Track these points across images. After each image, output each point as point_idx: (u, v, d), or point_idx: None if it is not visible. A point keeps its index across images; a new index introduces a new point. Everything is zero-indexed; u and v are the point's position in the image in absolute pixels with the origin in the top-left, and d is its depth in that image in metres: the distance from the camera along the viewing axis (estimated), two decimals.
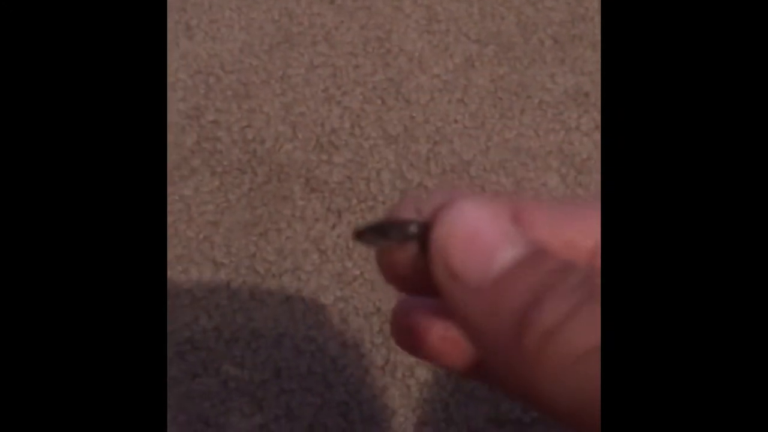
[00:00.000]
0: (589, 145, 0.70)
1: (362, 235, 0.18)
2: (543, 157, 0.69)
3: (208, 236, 0.63)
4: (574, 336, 0.15)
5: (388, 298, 0.61)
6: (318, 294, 0.61)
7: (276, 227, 0.64)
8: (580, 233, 0.19)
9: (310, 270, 0.62)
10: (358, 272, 0.62)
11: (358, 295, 0.61)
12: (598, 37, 0.77)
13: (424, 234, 0.17)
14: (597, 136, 0.71)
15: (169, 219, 0.64)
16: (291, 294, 0.61)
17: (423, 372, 0.58)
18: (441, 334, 0.20)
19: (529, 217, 0.18)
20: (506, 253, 0.17)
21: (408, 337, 0.20)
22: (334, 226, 0.64)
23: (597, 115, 0.72)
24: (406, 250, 0.18)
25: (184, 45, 0.75)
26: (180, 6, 0.77)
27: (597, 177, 0.68)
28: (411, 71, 0.74)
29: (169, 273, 0.61)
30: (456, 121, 0.71)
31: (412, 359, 0.59)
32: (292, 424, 0.56)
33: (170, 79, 0.72)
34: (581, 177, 0.68)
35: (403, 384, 0.58)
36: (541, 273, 0.16)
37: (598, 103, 0.73)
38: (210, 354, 0.58)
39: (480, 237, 0.17)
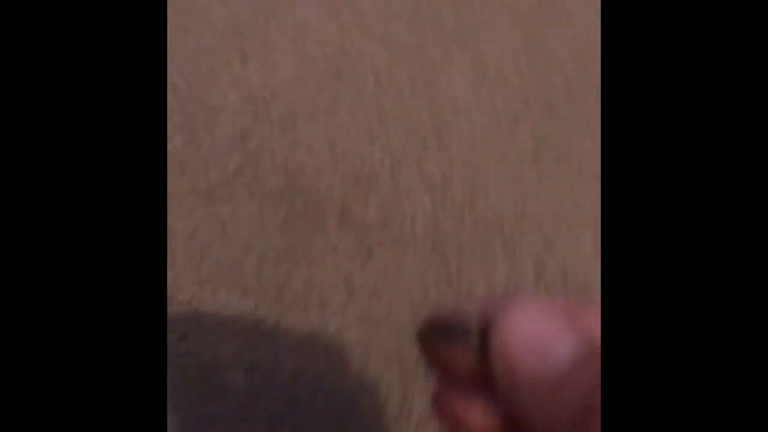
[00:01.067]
0: None
1: (425, 337, 0.20)
2: (578, 222, 0.70)
3: (239, 261, 0.64)
4: None
5: (410, 345, 0.61)
6: (341, 332, 0.61)
7: (308, 259, 0.65)
8: None
9: (336, 307, 0.62)
10: (383, 314, 0.62)
11: (380, 339, 0.61)
12: None
13: (483, 333, 0.19)
14: None
15: (204, 239, 0.65)
16: (315, 329, 0.61)
17: (437, 423, 0.58)
18: (479, 420, 0.21)
19: (582, 315, 0.19)
20: (563, 349, 0.18)
21: (448, 419, 0.22)
22: (363, 266, 0.65)
23: None
24: (464, 348, 0.19)
25: (237, 70, 0.76)
26: (237, 31, 0.79)
27: None
28: (455, 119, 0.75)
29: (198, 293, 0.61)
30: (495, 175, 0.72)
31: (426, 408, 0.59)
32: None
33: (220, 102, 0.73)
34: None
35: None
36: (596, 368, 0.17)
37: None
38: (229, 380, 0.58)
39: (538, 334, 0.18)
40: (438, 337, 0.20)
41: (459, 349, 0.19)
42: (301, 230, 0.66)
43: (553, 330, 0.18)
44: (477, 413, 0.21)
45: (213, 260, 0.64)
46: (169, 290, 0.60)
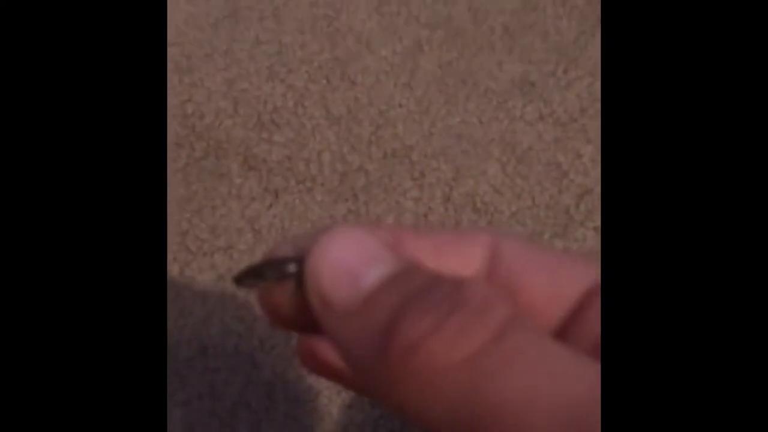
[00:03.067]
0: (531, 135, 0.71)
1: (241, 280, 0.19)
2: (485, 145, 0.69)
3: None
4: (438, 349, 0.15)
5: None
6: None
7: (211, 204, 0.63)
8: (460, 263, 0.19)
9: (243, 249, 0.62)
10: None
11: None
12: (548, 28, 0.78)
13: (299, 271, 0.18)
14: (540, 126, 0.71)
15: None
16: (222, 273, 0.60)
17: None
18: (326, 356, 0.20)
19: (411, 245, 0.18)
20: (373, 273, 0.17)
21: (308, 358, 0.21)
22: (270, 206, 0.64)
23: (542, 105, 0.73)
24: (284, 289, 0.18)
25: None
26: None
27: (537, 167, 0.69)
28: (358, 52, 0.73)
29: None
30: (400, 105, 0.71)
31: None
32: (214, 403, 0.56)
33: None
34: (521, 167, 0.69)
35: None
36: (406, 289, 0.16)
37: (544, 93, 0.73)
38: None
39: (347, 260, 0.17)
40: (252, 279, 0.18)
41: (276, 290, 0.18)
42: (203, 177, 0.65)
43: (366, 256, 0.17)
44: (323, 353, 0.20)
45: None
46: None
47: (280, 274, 0.18)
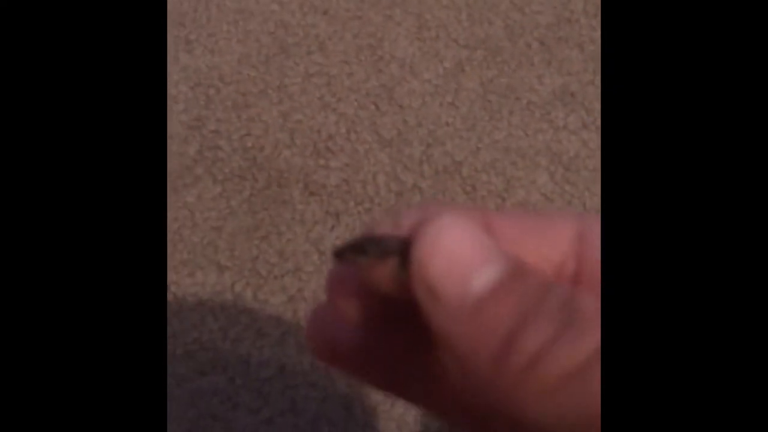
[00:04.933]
0: (576, 143, 0.73)
1: (342, 254, 0.18)
2: (532, 156, 0.72)
3: (212, 241, 0.66)
4: (556, 360, 0.15)
5: None
6: (319, 293, 0.64)
7: (277, 230, 0.67)
8: (547, 246, 0.19)
9: (311, 270, 0.65)
10: None
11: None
12: (584, 39, 0.80)
13: (404, 250, 0.17)
14: (584, 134, 0.74)
15: (174, 225, 0.67)
16: (293, 294, 0.64)
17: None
18: (361, 346, 0.19)
19: (499, 229, 0.18)
20: (486, 272, 0.16)
21: (326, 347, 0.20)
22: (332, 228, 0.67)
23: (584, 114, 0.75)
24: (386, 266, 0.17)
25: (184, 59, 0.77)
26: (178, 21, 0.80)
27: (584, 174, 0.71)
28: (403, 77, 0.77)
29: (175, 277, 0.64)
30: (447, 124, 0.74)
31: None
32: (296, 418, 0.58)
33: (172, 92, 0.75)
34: (569, 174, 0.71)
35: None
36: (522, 294, 0.16)
37: (585, 102, 0.76)
38: (217, 353, 0.61)
39: (460, 255, 0.17)
40: (353, 254, 0.18)
41: (377, 267, 0.18)
42: (267, 205, 0.68)
43: (479, 254, 0.17)
44: (358, 344, 0.19)
45: (186, 244, 0.66)
46: None
47: (383, 252, 0.17)
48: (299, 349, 0.61)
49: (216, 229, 0.67)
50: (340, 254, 0.18)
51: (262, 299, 0.63)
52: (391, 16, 0.81)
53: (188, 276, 0.64)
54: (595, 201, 0.70)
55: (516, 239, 0.18)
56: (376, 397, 0.60)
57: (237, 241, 0.66)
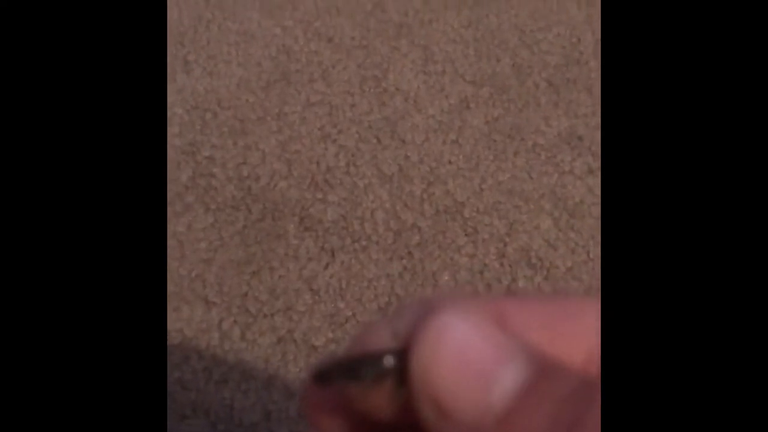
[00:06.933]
0: (582, 189, 0.71)
1: (327, 378, 0.14)
2: (536, 200, 0.70)
3: (200, 274, 0.63)
4: None
5: None
6: (309, 335, 0.61)
7: (269, 266, 0.64)
8: (573, 337, 0.16)
9: (302, 310, 0.62)
10: (350, 313, 0.62)
11: (350, 337, 0.61)
12: (593, 81, 0.78)
13: (402, 364, 0.14)
14: (590, 180, 0.72)
15: None
16: (282, 335, 0.61)
17: None
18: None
19: (514, 320, 0.15)
20: (508, 374, 0.13)
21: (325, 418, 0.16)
22: (327, 266, 0.64)
23: (590, 159, 0.73)
24: (382, 389, 0.14)
25: (182, 80, 0.75)
26: (178, 40, 0.77)
27: (589, 221, 0.69)
28: (406, 111, 0.75)
29: None
30: (450, 162, 0.72)
31: None
32: None
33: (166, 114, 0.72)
34: (573, 221, 0.69)
35: None
36: (559, 398, 0.13)
37: (592, 147, 0.74)
38: (199, 395, 0.57)
39: (472, 357, 0.13)
40: (341, 379, 0.14)
41: (372, 391, 0.14)
42: (260, 238, 0.65)
43: (496, 351, 0.13)
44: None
45: (172, 276, 0.63)
46: None
47: (378, 373, 0.14)
48: (286, 395, 0.58)
49: (205, 262, 0.64)
50: (324, 379, 0.15)
51: (250, 339, 0.60)
52: (397, 47, 0.79)
53: (173, 311, 0.61)
54: (599, 250, 0.68)
55: (536, 331, 0.15)
56: None
57: (227, 276, 0.63)
